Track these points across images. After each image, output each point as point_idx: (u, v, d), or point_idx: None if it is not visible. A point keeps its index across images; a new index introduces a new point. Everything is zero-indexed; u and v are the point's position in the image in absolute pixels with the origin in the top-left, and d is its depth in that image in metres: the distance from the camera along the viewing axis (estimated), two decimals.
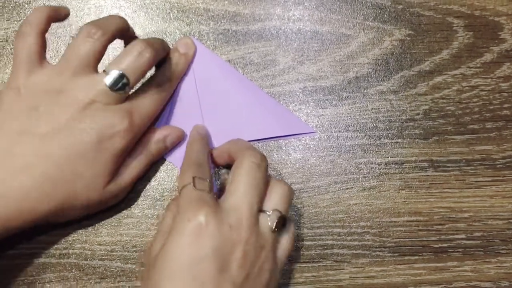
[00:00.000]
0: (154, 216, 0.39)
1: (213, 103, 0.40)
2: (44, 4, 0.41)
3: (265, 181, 0.33)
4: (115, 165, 0.34)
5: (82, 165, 0.33)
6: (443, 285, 0.39)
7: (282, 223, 0.32)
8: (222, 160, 0.38)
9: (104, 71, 0.33)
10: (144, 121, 0.36)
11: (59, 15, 0.36)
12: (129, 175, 0.36)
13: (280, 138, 0.40)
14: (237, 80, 0.40)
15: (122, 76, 0.33)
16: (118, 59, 0.34)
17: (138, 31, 0.41)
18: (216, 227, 0.30)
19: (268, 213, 0.32)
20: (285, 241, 0.33)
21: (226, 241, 0.30)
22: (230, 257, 0.30)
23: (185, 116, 0.40)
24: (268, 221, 0.32)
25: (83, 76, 0.34)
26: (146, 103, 0.36)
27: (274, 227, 0.32)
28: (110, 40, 0.35)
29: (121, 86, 0.33)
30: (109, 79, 0.33)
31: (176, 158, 0.39)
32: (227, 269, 0.30)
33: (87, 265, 0.38)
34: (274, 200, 0.33)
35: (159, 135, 0.38)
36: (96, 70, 0.34)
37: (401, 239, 0.39)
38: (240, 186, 0.32)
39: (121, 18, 0.36)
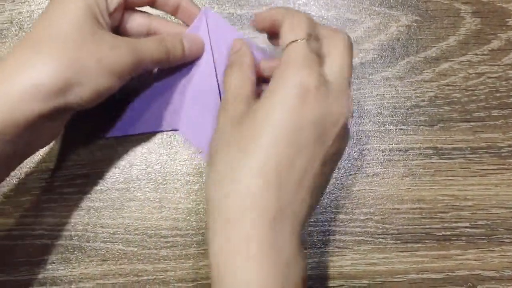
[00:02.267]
0: (157, 200, 0.39)
1: None
2: None
3: None
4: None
5: None
6: (446, 273, 0.38)
7: None
8: (262, 26, 0.33)
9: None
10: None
11: None
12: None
13: None
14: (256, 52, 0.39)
15: None
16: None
17: None
18: (325, 96, 0.28)
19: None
20: None
21: (331, 113, 0.28)
22: (330, 130, 0.28)
23: (202, 92, 0.38)
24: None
25: None
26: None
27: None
28: None
29: None
30: None
31: (196, 139, 0.39)
32: (324, 141, 0.28)
33: (89, 247, 0.38)
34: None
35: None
36: None
37: (404, 227, 0.39)
38: (341, 62, 0.30)
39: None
